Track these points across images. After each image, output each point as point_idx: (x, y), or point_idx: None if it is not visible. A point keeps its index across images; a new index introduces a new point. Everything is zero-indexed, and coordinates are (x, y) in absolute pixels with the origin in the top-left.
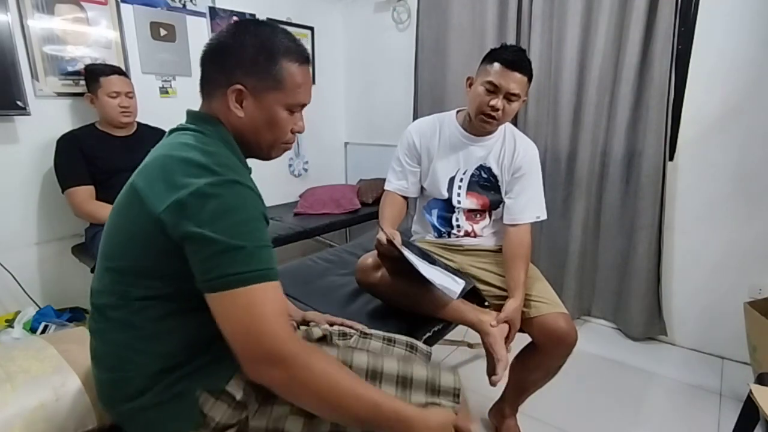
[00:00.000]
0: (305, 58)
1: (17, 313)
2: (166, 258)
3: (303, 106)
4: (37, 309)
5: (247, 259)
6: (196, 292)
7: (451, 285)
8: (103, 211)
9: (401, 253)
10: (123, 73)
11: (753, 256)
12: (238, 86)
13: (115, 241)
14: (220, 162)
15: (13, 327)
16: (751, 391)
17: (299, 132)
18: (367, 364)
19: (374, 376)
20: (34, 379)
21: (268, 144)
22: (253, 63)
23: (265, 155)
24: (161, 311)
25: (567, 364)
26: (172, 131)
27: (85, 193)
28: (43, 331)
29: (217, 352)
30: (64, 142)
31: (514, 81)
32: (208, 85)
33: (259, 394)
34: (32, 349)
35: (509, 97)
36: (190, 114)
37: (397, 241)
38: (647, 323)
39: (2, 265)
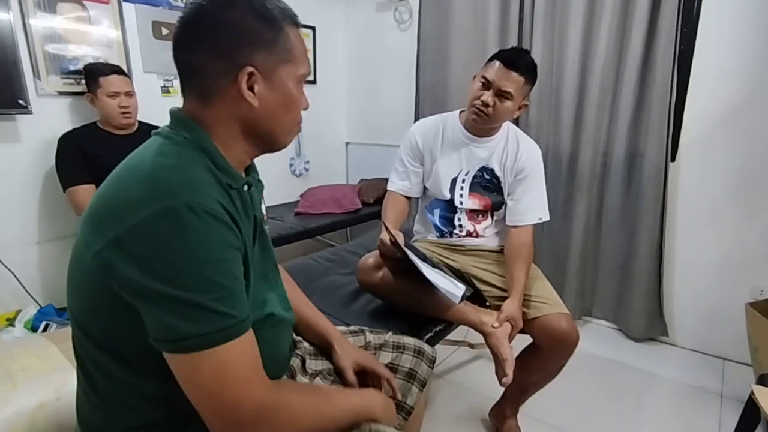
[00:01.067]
0: (299, 21)
1: (18, 311)
2: (115, 315)
3: (308, 76)
4: (39, 308)
5: (210, 316)
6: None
7: (453, 289)
8: None
9: (404, 254)
10: (122, 72)
11: (755, 257)
12: (250, 68)
13: (70, 286)
14: (180, 178)
15: (14, 326)
16: (752, 392)
17: (306, 108)
18: None
19: None
20: (35, 377)
21: (286, 129)
22: (259, 36)
23: (282, 144)
24: (130, 377)
25: (568, 365)
26: (154, 134)
27: (86, 192)
28: (44, 330)
29: (202, 424)
30: (66, 141)
31: (507, 79)
32: (194, 78)
33: None
34: (33, 347)
35: (501, 94)
36: (173, 115)
37: (401, 241)
38: (648, 324)
39: (3, 264)
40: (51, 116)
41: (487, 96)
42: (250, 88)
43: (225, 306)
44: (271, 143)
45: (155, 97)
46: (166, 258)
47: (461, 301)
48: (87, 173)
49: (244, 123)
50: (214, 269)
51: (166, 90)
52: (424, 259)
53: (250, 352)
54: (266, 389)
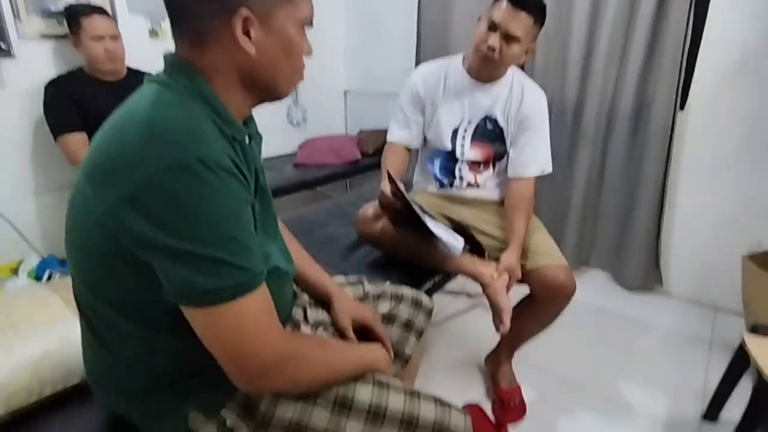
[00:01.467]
0: None
1: (21, 261)
2: (123, 271)
3: (311, 19)
4: (41, 258)
5: (228, 270)
6: (177, 311)
7: (453, 241)
8: None
9: (406, 203)
10: (105, 12)
11: (756, 209)
12: (245, 11)
13: (70, 242)
14: (187, 130)
15: (18, 275)
16: (743, 340)
17: (309, 54)
18: (370, 401)
19: (376, 416)
20: (39, 327)
21: (287, 78)
22: None
23: (283, 92)
24: (140, 332)
25: (563, 313)
26: (148, 81)
27: (78, 140)
28: (48, 279)
29: (213, 374)
30: (52, 88)
31: (515, 20)
32: (185, 20)
33: (252, 421)
34: (36, 297)
35: (509, 37)
36: (168, 60)
37: (403, 189)
38: (644, 274)
39: (2, 216)
40: (35, 60)
41: (494, 39)
42: (246, 34)
43: (242, 260)
44: (271, 92)
45: (142, 40)
46: (182, 214)
47: (456, 255)
48: (77, 121)
49: (242, 71)
50: (230, 224)
51: (153, 32)
52: (424, 211)
53: (266, 305)
54: (284, 339)
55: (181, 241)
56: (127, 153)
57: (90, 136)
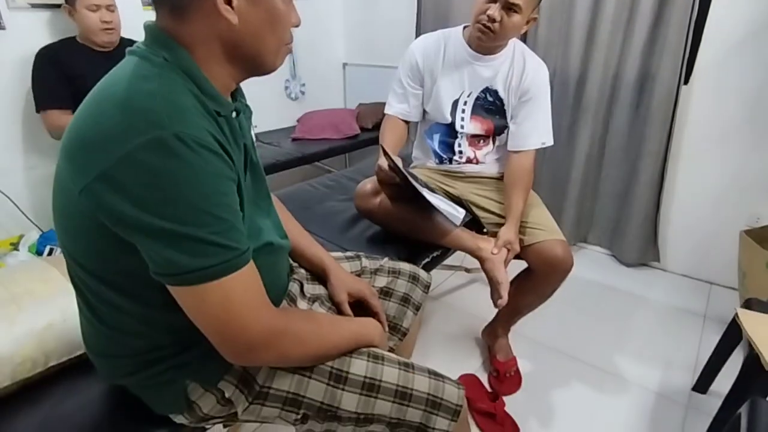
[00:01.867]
0: None
1: (21, 236)
2: (110, 249)
3: None
4: (40, 233)
5: (212, 249)
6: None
7: (453, 212)
8: None
9: (404, 178)
10: None
11: (756, 185)
12: None
13: (56, 219)
14: (165, 105)
15: (18, 250)
16: (736, 315)
17: (297, 25)
18: (365, 374)
19: (371, 388)
20: (40, 300)
21: (273, 50)
22: None
23: (270, 66)
24: (134, 307)
25: (560, 288)
26: (129, 52)
27: (61, 117)
28: (49, 254)
29: (210, 347)
30: (42, 58)
31: None
32: None
33: (250, 394)
34: (36, 271)
35: (509, 7)
36: (148, 30)
37: (400, 165)
38: (641, 250)
39: (1, 191)
40: (25, 30)
41: (494, 10)
42: (228, 2)
43: (225, 239)
44: (256, 66)
45: (136, 10)
46: (161, 192)
47: (461, 224)
48: (65, 95)
49: (225, 43)
50: (211, 202)
51: (147, 2)
52: (423, 185)
53: (253, 281)
54: (272, 315)
55: (162, 220)
56: (103, 129)
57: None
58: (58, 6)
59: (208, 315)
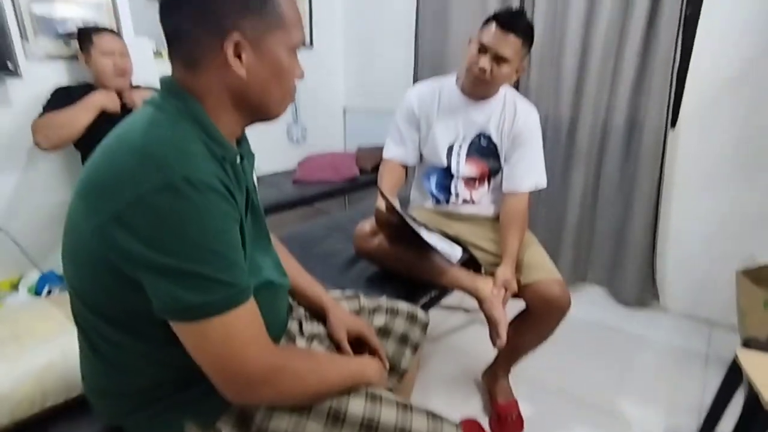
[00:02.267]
0: None
1: (21, 276)
2: (115, 286)
3: (302, 44)
4: (41, 273)
5: (215, 285)
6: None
7: (450, 250)
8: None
9: (401, 218)
10: (115, 33)
11: (749, 224)
12: (236, 36)
13: (65, 257)
14: (176, 152)
15: (18, 290)
16: (736, 355)
17: (301, 78)
18: (363, 414)
19: (369, 429)
20: (41, 339)
21: (277, 100)
22: (246, 1)
23: (274, 114)
24: (135, 344)
25: (560, 328)
26: (144, 103)
27: (51, 115)
28: (48, 294)
29: (208, 385)
30: (58, 93)
31: (505, 42)
32: (180, 44)
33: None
34: (37, 310)
35: (498, 59)
36: (163, 83)
37: (396, 206)
38: (640, 289)
39: (3, 230)
40: (41, 80)
41: (484, 61)
42: (238, 57)
43: (228, 275)
44: (262, 113)
45: (147, 61)
46: (168, 231)
47: (458, 262)
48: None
49: (234, 93)
50: (216, 241)
51: (158, 53)
52: (420, 225)
53: (254, 318)
54: (272, 352)
55: (167, 257)
56: (117, 173)
57: (83, 143)
58: (73, 57)
59: (209, 351)
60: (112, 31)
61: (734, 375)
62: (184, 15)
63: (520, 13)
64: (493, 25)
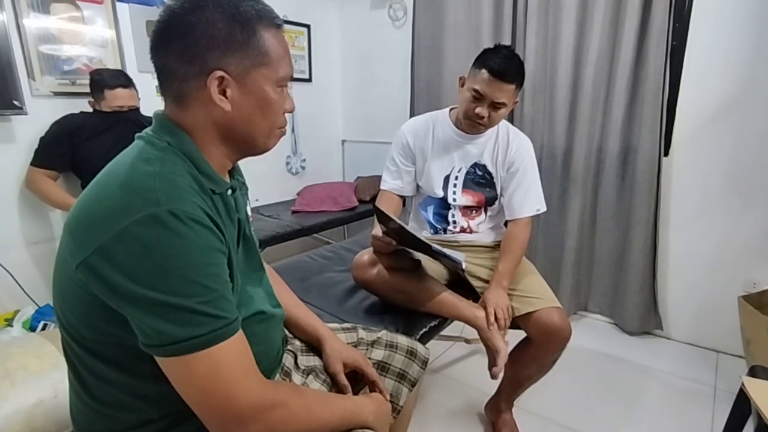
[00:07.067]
0: (280, 23)
1: (17, 311)
2: (101, 320)
3: (289, 79)
4: (36, 308)
5: (200, 319)
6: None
7: (454, 254)
8: (54, 193)
9: (400, 229)
10: (129, 84)
11: (747, 250)
12: (219, 72)
13: (54, 291)
14: (163, 184)
15: (12, 326)
16: (743, 384)
17: (290, 111)
18: None
19: None
20: (33, 375)
21: (264, 134)
22: (229, 39)
23: (262, 148)
24: (124, 380)
25: (563, 359)
26: (137, 137)
27: (42, 178)
28: (42, 329)
29: (199, 421)
30: (57, 124)
31: (500, 91)
32: (169, 81)
33: None
34: (30, 346)
35: (495, 105)
36: (156, 118)
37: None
38: (643, 318)
39: (1, 265)
40: (46, 116)
41: (482, 109)
42: (223, 93)
43: (214, 308)
44: (250, 147)
45: (150, 97)
46: (153, 265)
47: (463, 268)
48: (59, 159)
49: (221, 127)
50: (201, 273)
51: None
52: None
53: (242, 352)
54: (261, 387)
55: (152, 291)
56: (104, 206)
57: (76, 164)
58: (77, 94)
59: (196, 386)
60: (125, 83)
61: (742, 405)
62: (171, 53)
63: (511, 57)
64: (485, 73)
